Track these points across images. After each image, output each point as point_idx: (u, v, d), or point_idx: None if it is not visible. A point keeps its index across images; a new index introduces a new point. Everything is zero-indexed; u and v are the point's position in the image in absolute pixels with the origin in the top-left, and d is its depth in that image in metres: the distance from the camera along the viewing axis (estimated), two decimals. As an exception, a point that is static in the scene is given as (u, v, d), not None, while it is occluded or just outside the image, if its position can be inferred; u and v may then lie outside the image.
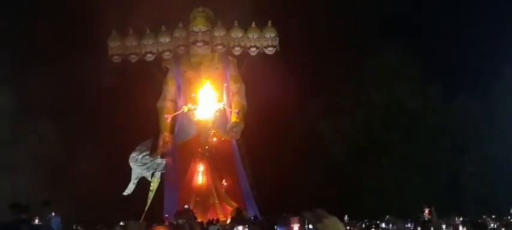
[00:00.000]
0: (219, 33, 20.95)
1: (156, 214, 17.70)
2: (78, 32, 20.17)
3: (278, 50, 21.15)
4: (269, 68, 21.20)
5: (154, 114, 20.69)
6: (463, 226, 12.07)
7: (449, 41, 23.81)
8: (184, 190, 19.34)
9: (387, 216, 16.38)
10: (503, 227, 12.35)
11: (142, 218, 17.24)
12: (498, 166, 22.70)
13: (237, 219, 14.02)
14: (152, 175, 20.34)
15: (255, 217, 17.18)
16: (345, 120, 25.20)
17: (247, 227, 7.94)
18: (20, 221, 10.52)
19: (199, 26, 20.59)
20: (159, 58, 21.38)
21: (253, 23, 21.18)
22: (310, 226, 3.31)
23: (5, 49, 17.11)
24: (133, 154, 19.94)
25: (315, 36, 23.39)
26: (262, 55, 21.20)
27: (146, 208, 19.42)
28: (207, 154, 19.86)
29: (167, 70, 21.31)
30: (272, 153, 23.01)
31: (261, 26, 21.23)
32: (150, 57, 21.29)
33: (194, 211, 15.84)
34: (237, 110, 19.80)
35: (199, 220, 14.46)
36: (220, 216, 17.86)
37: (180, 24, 21.04)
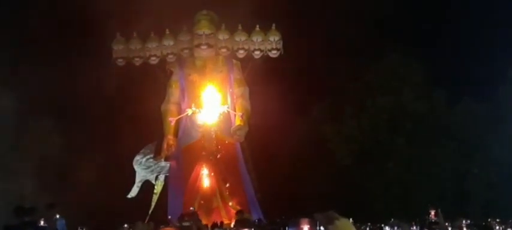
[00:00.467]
0: (223, 36, 20.94)
1: (160, 217, 17.67)
2: (82, 35, 20.19)
3: (282, 53, 21.13)
4: (273, 71, 21.22)
5: (159, 117, 20.68)
6: (469, 229, 12.06)
7: (455, 45, 23.82)
8: (188, 193, 19.30)
9: (392, 219, 16.37)
10: (509, 230, 12.33)
11: (146, 221, 17.20)
12: (504, 169, 22.64)
13: (242, 222, 13.99)
14: (156, 178, 20.31)
15: (259, 220, 17.16)
16: (350, 123, 25.16)
17: (253, 230, 7.88)
18: (24, 224, 10.53)
19: (203, 29, 20.57)
20: (163, 62, 21.37)
21: (257, 26, 21.15)
22: (322, 228, 3.28)
23: (10, 51, 17.14)
24: (137, 157, 19.91)
25: (319, 40, 23.39)
26: (266, 58, 21.18)
27: (150, 211, 19.40)
28: (211, 158, 19.82)
29: (171, 73, 21.28)
30: (276, 156, 23.00)
31: (265, 29, 21.21)
32: (154, 60, 21.29)
33: (198, 214, 15.85)
34: (241, 113, 19.77)
35: (203, 223, 14.46)
36: (224, 219, 17.80)
37: (184, 27, 21.04)
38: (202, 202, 19.19)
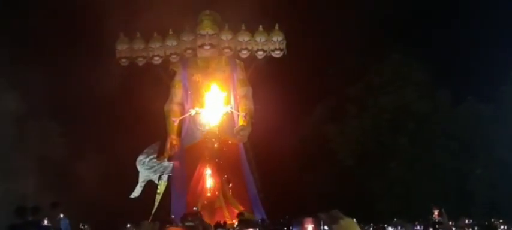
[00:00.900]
0: (226, 36, 20.96)
1: (163, 217, 17.69)
2: (86, 35, 20.23)
3: (285, 53, 21.14)
4: (276, 72, 21.23)
5: (162, 117, 20.70)
6: (472, 229, 12.06)
7: (458, 44, 23.76)
8: (191, 193, 19.33)
9: (395, 219, 16.38)
10: (512, 230, 12.32)
11: (149, 220, 17.22)
12: (507, 169, 22.61)
13: (245, 222, 13.99)
14: (159, 178, 20.35)
15: (262, 220, 17.16)
16: (352, 123, 25.15)
17: (257, 230, 7.88)
18: (28, 223, 10.56)
19: (207, 29, 20.60)
20: (166, 62, 21.39)
21: (261, 26, 21.17)
22: (326, 227, 3.29)
23: (14, 52, 17.18)
24: (141, 157, 19.95)
25: (322, 40, 23.39)
26: (269, 58, 21.20)
27: (153, 211, 19.43)
28: (214, 158, 19.84)
29: (174, 73, 21.29)
30: (279, 156, 23.00)
31: (269, 30, 21.22)
32: (157, 61, 21.32)
33: (201, 214, 15.85)
34: (244, 113, 19.78)
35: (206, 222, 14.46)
36: (227, 219, 17.81)
37: (187, 28, 21.06)
38: (205, 202, 19.22)
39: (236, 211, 18.18)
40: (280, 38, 21.13)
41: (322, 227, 4.13)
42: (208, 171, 19.71)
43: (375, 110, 24.94)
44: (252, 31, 21.16)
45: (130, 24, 20.65)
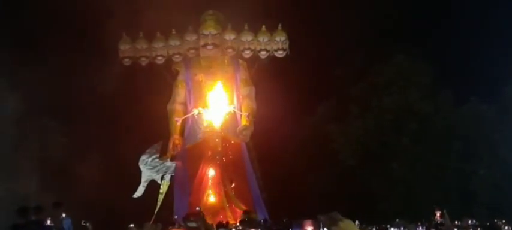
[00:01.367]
0: (229, 36, 21.00)
1: (165, 217, 17.72)
2: (89, 34, 20.26)
3: (288, 53, 21.15)
4: (279, 71, 21.23)
5: (165, 117, 20.72)
6: (475, 229, 12.06)
7: (461, 44, 23.72)
8: (194, 193, 19.34)
9: (397, 220, 16.36)
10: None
11: (152, 221, 17.26)
12: (510, 170, 22.57)
13: (248, 222, 14.03)
14: (162, 178, 20.35)
15: (264, 220, 17.17)
16: (355, 123, 25.13)
17: (259, 230, 7.90)
18: (31, 223, 10.59)
19: (210, 29, 20.63)
20: (169, 61, 21.43)
21: (264, 26, 21.19)
22: (325, 229, 3.30)
23: (16, 52, 17.21)
24: (143, 157, 19.95)
25: (325, 40, 23.39)
26: (272, 58, 21.21)
27: (156, 211, 19.44)
28: (216, 157, 19.84)
29: (177, 73, 21.33)
30: (281, 156, 23.01)
31: (271, 30, 21.24)
32: (160, 60, 21.36)
33: (204, 214, 15.87)
34: (247, 113, 19.80)
35: (208, 223, 14.47)
36: (229, 219, 17.82)
37: (191, 27, 21.08)
38: (208, 202, 19.23)
39: (239, 211, 18.22)
40: (283, 38, 21.15)
41: (321, 229, 4.14)
42: (210, 171, 19.72)
43: (378, 110, 24.91)
44: (255, 31, 21.19)
45: (133, 24, 20.67)
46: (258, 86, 20.85)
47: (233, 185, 19.74)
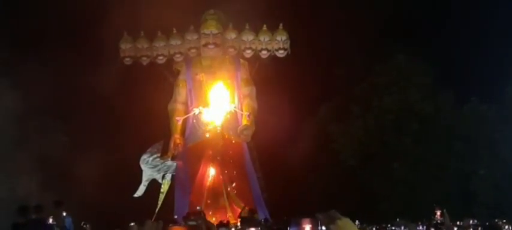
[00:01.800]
0: (230, 35, 21.01)
1: (166, 216, 17.71)
2: (90, 34, 20.26)
3: (289, 53, 21.15)
4: (280, 71, 21.23)
5: (165, 116, 20.73)
6: (475, 229, 12.05)
7: (462, 45, 23.71)
8: (195, 192, 19.37)
9: (398, 219, 16.36)
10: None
11: (153, 220, 17.24)
12: (510, 170, 22.56)
13: (248, 221, 14.03)
14: (163, 177, 20.36)
15: (265, 219, 17.17)
16: (356, 123, 25.12)
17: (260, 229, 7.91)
18: (31, 222, 10.60)
19: (211, 28, 20.63)
20: (170, 61, 21.44)
21: (265, 26, 21.20)
22: (323, 228, 3.30)
23: (17, 51, 17.23)
24: (144, 156, 19.96)
25: (326, 40, 23.38)
26: (273, 58, 21.21)
27: (157, 210, 19.45)
28: (217, 157, 19.86)
29: (178, 72, 21.35)
30: (282, 156, 23.00)
31: (273, 29, 21.24)
32: (161, 60, 21.36)
33: (205, 213, 15.89)
34: (247, 113, 19.80)
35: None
36: (230, 219, 17.84)
37: (192, 27, 21.09)
38: (208, 201, 19.26)
39: (239, 210, 18.23)
40: (284, 38, 21.15)
41: (319, 228, 4.15)
42: (211, 170, 19.74)
43: (378, 110, 24.90)
44: (256, 30, 21.19)
45: (134, 23, 20.68)
46: (259, 86, 20.85)
47: (234, 184, 19.77)
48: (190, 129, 20.43)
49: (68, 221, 13.25)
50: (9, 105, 16.10)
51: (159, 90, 21.28)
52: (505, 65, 22.59)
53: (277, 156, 22.32)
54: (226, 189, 19.44)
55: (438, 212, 14.97)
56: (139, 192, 19.94)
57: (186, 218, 13.91)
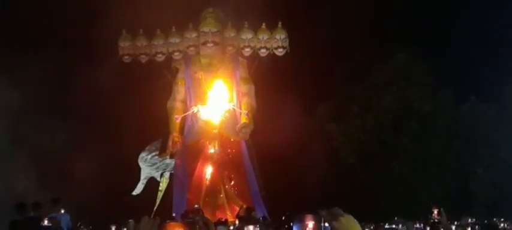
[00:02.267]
0: (229, 34, 21.00)
1: (165, 214, 17.70)
2: (89, 32, 20.22)
3: (288, 51, 21.14)
4: (279, 70, 21.21)
5: (164, 114, 20.70)
6: (472, 227, 12.03)
7: (461, 44, 23.74)
8: (193, 190, 19.34)
9: (396, 217, 16.35)
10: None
11: (151, 217, 17.20)
12: (510, 169, 22.59)
13: (247, 219, 14.02)
14: (161, 175, 20.36)
15: (263, 217, 17.16)
16: (355, 122, 25.13)
17: (258, 227, 7.88)
18: (29, 219, 10.57)
19: (210, 26, 20.61)
20: (169, 59, 21.41)
21: (264, 24, 21.19)
22: (326, 224, 3.28)
23: (16, 49, 17.19)
24: (143, 154, 19.98)
25: (325, 38, 23.35)
26: (272, 56, 21.20)
27: (155, 208, 19.45)
28: (216, 155, 19.85)
29: (177, 70, 21.32)
30: (281, 155, 22.98)
31: (271, 28, 21.23)
32: (160, 58, 21.35)
33: (203, 211, 15.86)
34: (246, 111, 19.78)
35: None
36: (229, 217, 17.83)
37: (191, 25, 21.07)
38: (207, 199, 19.23)
39: (238, 208, 18.21)
40: (283, 36, 21.14)
41: (322, 224, 4.13)
42: (209, 169, 19.72)
43: (378, 109, 24.91)
44: (255, 29, 21.17)
45: (133, 21, 20.64)
46: (258, 84, 20.83)
47: (232, 183, 19.76)
48: (189, 127, 20.41)
49: (66, 219, 13.20)
50: (6, 102, 16.06)
51: (158, 88, 21.24)
52: (504, 65, 22.62)
53: (275, 154, 22.27)
54: (225, 187, 19.42)
55: (435, 211, 14.95)
56: (138, 190, 19.95)
57: (184, 216, 13.91)
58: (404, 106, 24.67)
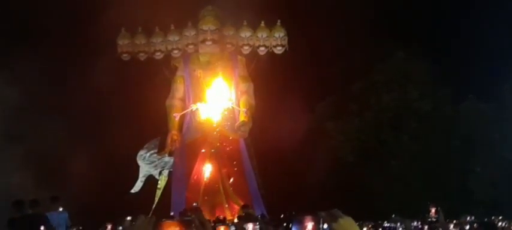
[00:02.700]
0: (228, 32, 20.99)
1: (163, 212, 17.71)
2: (87, 29, 20.20)
3: (287, 49, 21.13)
4: (278, 68, 21.20)
5: (163, 112, 20.68)
6: (471, 225, 12.02)
7: (460, 43, 23.71)
8: (191, 188, 19.33)
9: (393, 216, 16.35)
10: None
11: (149, 215, 17.19)
12: (509, 168, 22.59)
13: (245, 217, 13.97)
14: (160, 173, 20.37)
15: (262, 215, 17.15)
16: (353, 120, 25.13)
17: (258, 225, 7.86)
18: (27, 217, 10.56)
19: (209, 24, 20.57)
20: (168, 57, 21.40)
21: (262, 22, 21.19)
22: (325, 226, 3.27)
23: (14, 45, 17.16)
24: (141, 152, 19.98)
25: (324, 37, 23.33)
26: (271, 54, 21.19)
27: (154, 206, 19.44)
28: (214, 153, 19.83)
29: (176, 68, 21.29)
30: (279, 153, 22.98)
31: (270, 26, 21.23)
32: (159, 56, 21.33)
33: (202, 209, 15.83)
34: (245, 109, 19.75)
35: (206, 218, 14.43)
36: (227, 215, 17.84)
37: (189, 23, 21.05)
38: (205, 197, 19.21)
39: (236, 207, 18.20)
40: (282, 34, 21.14)
41: (321, 226, 4.11)
42: (208, 167, 19.70)
43: (377, 108, 24.92)
44: (254, 27, 21.16)
45: (132, 18, 20.61)
46: (257, 82, 20.81)
47: (231, 181, 19.74)
48: (188, 125, 20.39)
49: (64, 217, 13.18)
50: (3, 99, 16.04)
51: (156, 86, 21.22)
52: (504, 63, 22.59)
53: (274, 153, 22.28)
54: (224, 185, 19.40)
55: (433, 210, 14.93)
56: (136, 188, 19.96)
57: (183, 214, 13.89)
58: (404, 105, 24.68)
